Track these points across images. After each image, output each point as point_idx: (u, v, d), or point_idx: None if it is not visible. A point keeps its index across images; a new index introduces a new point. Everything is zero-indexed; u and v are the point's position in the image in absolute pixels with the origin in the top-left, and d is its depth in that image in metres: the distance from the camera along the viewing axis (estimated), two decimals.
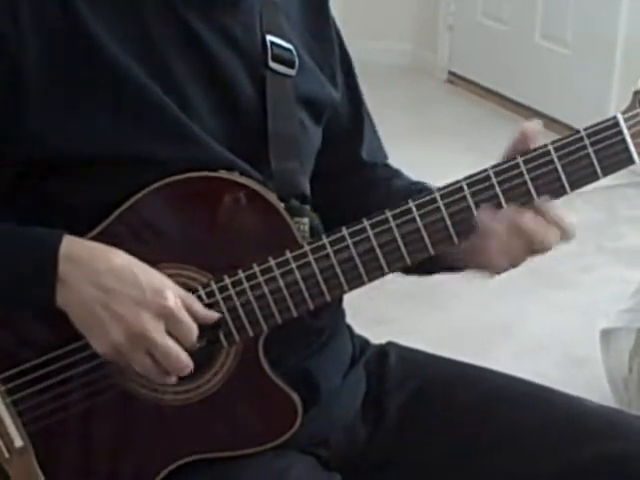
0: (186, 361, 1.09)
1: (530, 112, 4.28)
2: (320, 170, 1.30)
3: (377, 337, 1.42)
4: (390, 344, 1.40)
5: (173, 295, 1.08)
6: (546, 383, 1.35)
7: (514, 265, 1.16)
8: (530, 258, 1.15)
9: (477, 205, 1.12)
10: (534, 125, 1.16)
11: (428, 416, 1.31)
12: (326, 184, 1.30)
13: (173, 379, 1.11)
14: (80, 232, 1.11)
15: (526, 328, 2.84)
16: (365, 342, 1.39)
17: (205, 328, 1.11)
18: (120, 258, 1.08)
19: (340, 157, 1.34)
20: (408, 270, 1.21)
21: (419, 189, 1.22)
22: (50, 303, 1.07)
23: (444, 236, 1.12)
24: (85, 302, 1.07)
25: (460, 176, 1.14)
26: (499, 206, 1.12)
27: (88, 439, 1.16)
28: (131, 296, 1.07)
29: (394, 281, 1.18)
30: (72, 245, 1.08)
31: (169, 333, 1.08)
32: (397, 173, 1.38)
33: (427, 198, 1.11)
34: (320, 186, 1.28)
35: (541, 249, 1.13)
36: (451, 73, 4.81)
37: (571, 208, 1.14)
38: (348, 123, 1.35)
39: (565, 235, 1.13)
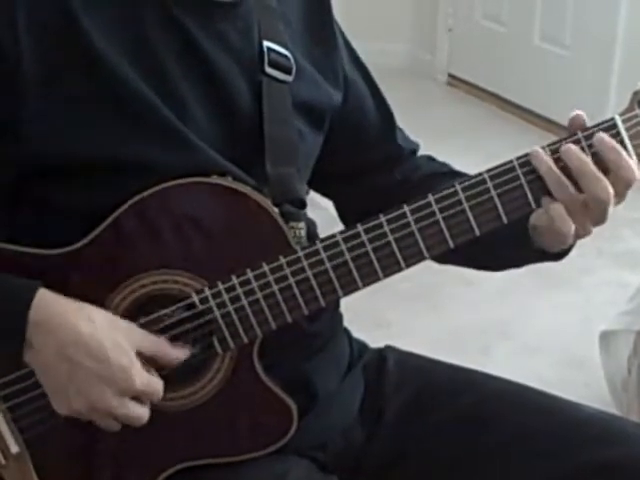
0: (146, 419, 1.10)
1: (529, 114, 4.28)
2: (362, 167, 1.34)
3: (375, 340, 1.42)
4: (389, 348, 1.40)
5: (139, 375, 1.07)
6: (545, 385, 1.35)
7: (581, 235, 1.14)
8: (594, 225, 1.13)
9: (471, 208, 1.11)
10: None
11: (426, 421, 1.31)
12: (372, 180, 1.34)
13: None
14: (78, 236, 1.11)
15: (525, 330, 2.84)
16: (363, 346, 1.39)
17: (199, 335, 1.11)
18: (89, 326, 1.07)
19: (381, 151, 1.36)
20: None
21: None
22: (17, 361, 1.07)
23: (439, 240, 1.11)
24: (49, 369, 1.07)
25: None
26: (495, 210, 1.12)
27: (84, 445, 1.16)
28: (96, 372, 1.06)
29: (392, 284, 1.17)
30: (44, 307, 1.06)
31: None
32: (449, 168, 1.39)
33: (421, 202, 1.11)
34: (366, 183, 1.32)
35: (599, 208, 1.11)
36: (450, 75, 4.81)
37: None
38: (378, 117, 1.36)
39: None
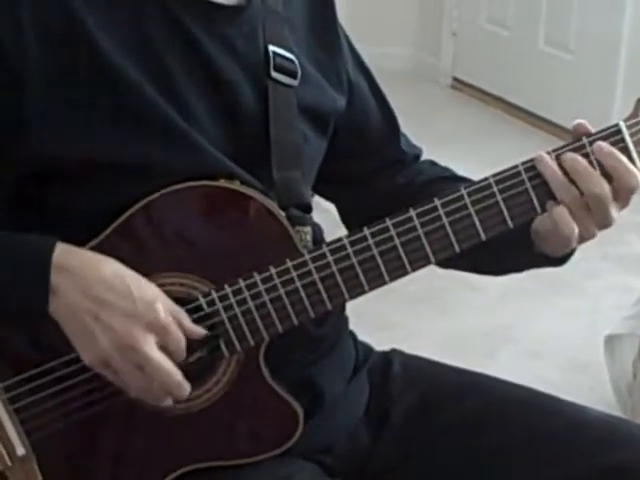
0: (178, 378, 1.08)
1: (533, 118, 4.28)
2: (365, 172, 1.34)
3: (381, 343, 1.42)
4: (394, 352, 1.40)
5: (164, 308, 1.07)
6: (550, 388, 1.35)
7: (585, 238, 1.14)
8: (599, 228, 1.14)
9: (477, 213, 1.11)
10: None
11: (431, 424, 1.31)
12: (375, 185, 1.34)
13: (168, 400, 1.10)
14: (79, 240, 1.10)
15: (530, 334, 2.84)
16: (369, 349, 1.39)
17: (205, 337, 1.11)
18: (112, 268, 1.08)
19: (384, 155, 1.37)
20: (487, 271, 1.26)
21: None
22: (42, 312, 1.07)
23: (445, 244, 1.12)
24: (75, 312, 1.06)
25: None
26: (500, 215, 1.12)
27: (90, 447, 1.16)
28: (122, 307, 1.06)
29: (398, 287, 1.17)
30: (65, 254, 1.07)
31: (161, 347, 1.07)
32: (451, 173, 1.39)
33: (427, 206, 1.11)
34: (369, 188, 1.33)
35: (599, 207, 1.11)
36: (455, 79, 4.81)
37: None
38: (382, 121, 1.37)
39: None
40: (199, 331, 1.11)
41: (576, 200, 1.11)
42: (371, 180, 1.36)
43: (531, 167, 1.12)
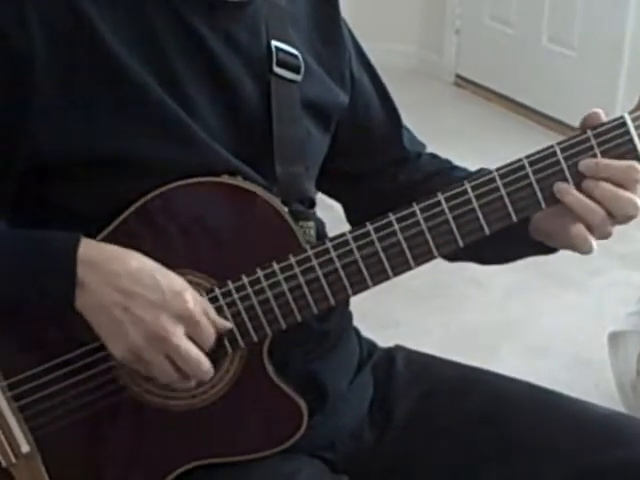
0: (207, 364, 1.09)
1: (537, 114, 4.28)
2: (367, 169, 1.34)
3: (385, 340, 1.42)
4: (398, 348, 1.40)
5: (193, 298, 1.08)
6: (554, 385, 1.35)
7: (599, 238, 1.14)
8: (615, 225, 1.13)
9: (481, 207, 1.11)
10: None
11: (435, 420, 1.31)
12: (376, 182, 1.34)
13: (192, 382, 1.10)
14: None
15: (534, 330, 2.84)
16: (372, 345, 1.39)
17: None
18: (138, 261, 1.08)
19: (386, 152, 1.36)
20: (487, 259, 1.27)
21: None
22: (69, 307, 1.06)
23: (448, 239, 1.12)
24: (104, 305, 1.06)
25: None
26: (504, 209, 1.12)
27: (94, 444, 1.16)
28: (150, 299, 1.06)
29: (401, 283, 1.17)
30: (90, 248, 1.07)
31: (189, 337, 1.08)
32: (453, 165, 1.39)
33: (431, 201, 1.11)
34: (369, 186, 1.33)
35: (626, 218, 1.12)
36: (458, 76, 4.81)
37: None
38: (384, 119, 1.37)
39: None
40: (225, 324, 1.11)
41: (604, 220, 1.11)
42: (372, 178, 1.36)
43: (534, 161, 1.11)
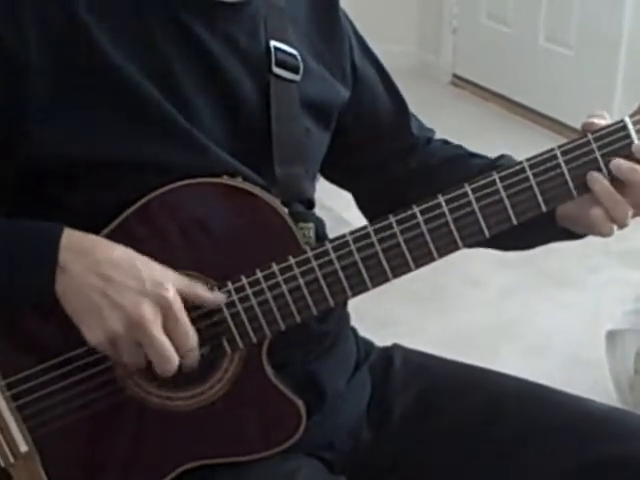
0: (174, 365, 1.07)
1: (534, 114, 4.28)
2: (378, 159, 1.35)
3: (382, 339, 1.42)
4: (395, 347, 1.40)
5: (173, 288, 1.07)
6: (552, 383, 1.35)
7: (622, 225, 1.15)
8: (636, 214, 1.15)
9: (482, 209, 1.11)
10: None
11: (433, 419, 1.31)
12: (389, 170, 1.35)
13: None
14: None
15: (532, 329, 2.84)
16: (370, 345, 1.39)
17: (208, 335, 1.11)
18: (121, 250, 1.08)
19: (395, 141, 1.37)
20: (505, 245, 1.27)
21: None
22: (49, 291, 1.06)
23: (449, 241, 1.12)
24: (84, 290, 1.06)
25: None
26: (505, 211, 1.12)
27: (93, 444, 1.16)
28: (130, 286, 1.06)
29: (399, 283, 1.17)
30: (73, 236, 1.07)
31: (166, 331, 1.07)
32: (465, 150, 1.40)
33: (431, 203, 1.11)
34: (382, 175, 1.33)
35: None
36: (455, 75, 4.81)
37: None
38: (391, 107, 1.37)
39: None
40: (219, 298, 1.10)
41: (626, 210, 1.13)
42: (384, 167, 1.36)
43: (534, 164, 1.11)
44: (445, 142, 1.42)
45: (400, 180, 1.35)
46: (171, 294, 1.06)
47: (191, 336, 1.08)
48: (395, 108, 1.37)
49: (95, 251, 1.07)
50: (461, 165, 1.33)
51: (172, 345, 1.07)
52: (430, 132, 1.42)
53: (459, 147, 1.40)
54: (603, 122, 1.14)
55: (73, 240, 1.07)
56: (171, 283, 1.07)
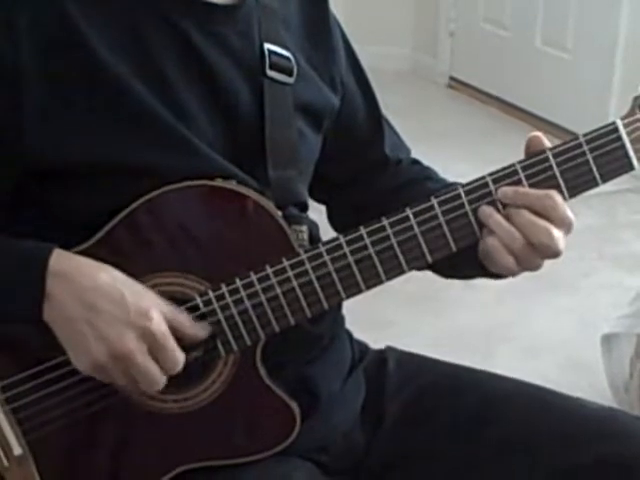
0: (161, 386, 1.09)
1: (531, 117, 4.29)
2: (347, 174, 1.33)
3: (378, 342, 1.42)
4: (389, 349, 1.40)
5: (158, 317, 1.07)
6: (547, 386, 1.35)
7: (527, 268, 1.14)
8: (544, 260, 1.13)
9: (474, 212, 1.12)
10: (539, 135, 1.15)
11: (428, 421, 1.31)
12: (355, 187, 1.34)
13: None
14: (77, 239, 1.11)
15: (527, 332, 2.84)
16: (364, 347, 1.39)
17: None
18: (108, 275, 1.08)
19: (366, 157, 1.36)
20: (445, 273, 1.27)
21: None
22: (36, 317, 1.07)
23: (442, 244, 1.12)
24: (70, 319, 1.06)
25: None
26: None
27: (87, 447, 1.16)
28: (115, 315, 1.06)
29: (394, 285, 1.18)
30: (61, 260, 1.07)
31: (152, 355, 1.07)
32: (429, 173, 1.38)
33: (424, 205, 1.12)
34: (348, 190, 1.32)
35: (544, 247, 1.11)
36: (452, 78, 4.81)
37: (571, 213, 1.13)
38: (367, 122, 1.36)
39: (559, 224, 1.11)
40: (201, 333, 1.11)
41: (525, 247, 1.11)
42: (351, 183, 1.35)
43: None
44: (414, 162, 1.40)
45: (365, 198, 1.34)
46: (155, 323, 1.07)
47: (178, 360, 1.08)
48: (370, 123, 1.36)
49: (81, 276, 1.07)
50: (417, 189, 1.32)
51: (159, 368, 1.08)
52: (404, 152, 1.40)
53: (424, 169, 1.39)
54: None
55: (61, 264, 1.07)
56: (156, 310, 1.07)
